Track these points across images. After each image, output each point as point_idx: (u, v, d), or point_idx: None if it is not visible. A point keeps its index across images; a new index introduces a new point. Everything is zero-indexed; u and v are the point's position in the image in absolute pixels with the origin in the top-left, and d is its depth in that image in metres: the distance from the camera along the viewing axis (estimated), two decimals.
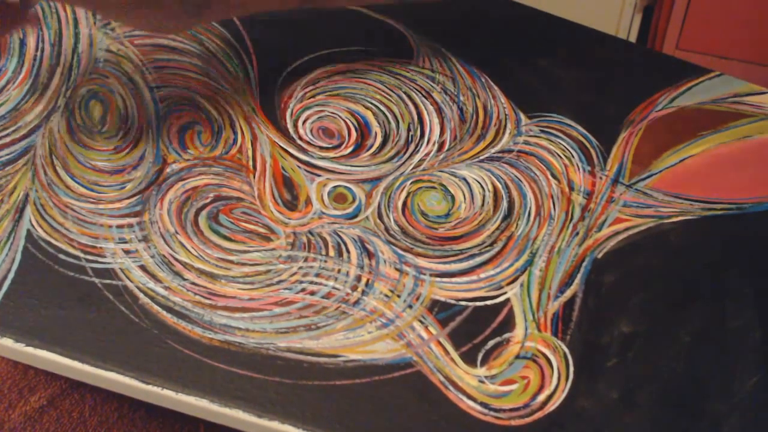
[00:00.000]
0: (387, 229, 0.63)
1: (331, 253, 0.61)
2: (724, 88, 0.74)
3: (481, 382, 0.56)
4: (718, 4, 1.31)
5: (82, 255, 0.59)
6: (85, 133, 0.66)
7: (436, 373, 0.56)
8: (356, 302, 0.59)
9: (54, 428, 0.70)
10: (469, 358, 0.57)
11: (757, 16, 1.31)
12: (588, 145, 0.70)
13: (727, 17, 1.32)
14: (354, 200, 0.65)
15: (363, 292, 0.59)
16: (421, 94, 0.71)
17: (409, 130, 0.69)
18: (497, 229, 0.64)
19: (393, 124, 0.69)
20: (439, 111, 0.70)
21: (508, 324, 0.59)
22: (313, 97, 0.70)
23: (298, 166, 0.66)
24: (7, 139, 0.64)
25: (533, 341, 0.58)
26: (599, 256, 0.63)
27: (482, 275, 0.62)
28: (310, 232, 0.62)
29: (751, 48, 1.33)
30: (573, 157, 0.69)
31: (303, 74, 0.71)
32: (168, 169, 0.64)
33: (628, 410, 0.56)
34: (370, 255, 0.61)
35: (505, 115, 0.71)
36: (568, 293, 0.61)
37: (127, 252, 0.60)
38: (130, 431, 0.70)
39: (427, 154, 0.68)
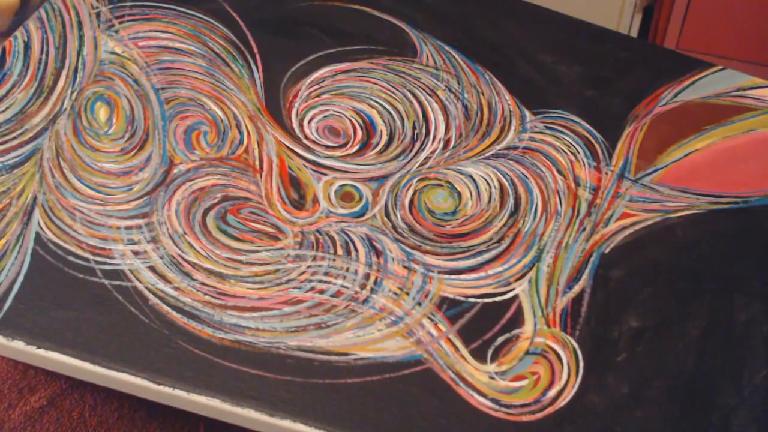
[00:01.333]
0: (394, 227, 0.63)
1: (339, 251, 0.61)
2: (727, 82, 0.74)
3: (492, 378, 0.56)
4: (718, 4, 1.31)
5: (91, 257, 0.59)
6: (91, 135, 0.66)
7: (447, 369, 0.56)
8: (365, 300, 0.59)
9: (54, 428, 0.69)
10: (479, 355, 0.57)
11: (757, 16, 1.31)
12: (593, 141, 0.70)
13: (727, 17, 1.32)
14: (361, 199, 0.65)
15: (372, 290, 0.59)
16: (426, 92, 0.71)
17: (414, 128, 0.69)
18: (504, 225, 0.64)
19: (398, 123, 0.69)
20: (444, 109, 0.71)
21: (517, 320, 0.59)
22: (318, 96, 0.70)
23: (305, 166, 0.66)
24: (14, 143, 0.64)
25: (542, 337, 0.59)
26: (606, 251, 0.63)
27: (490, 272, 0.62)
28: (318, 231, 0.62)
29: (751, 48, 1.34)
30: (578, 152, 0.69)
31: (307, 73, 0.71)
32: (175, 170, 0.64)
33: (638, 405, 0.56)
34: (378, 253, 0.62)
35: (510, 112, 0.71)
36: (577, 288, 0.61)
37: (136, 253, 0.60)
38: (130, 431, 0.70)
39: (432, 152, 0.68)
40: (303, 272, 0.60)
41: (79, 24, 0.71)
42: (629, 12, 1.41)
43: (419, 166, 0.67)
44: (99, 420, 0.70)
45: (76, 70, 0.69)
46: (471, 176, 0.67)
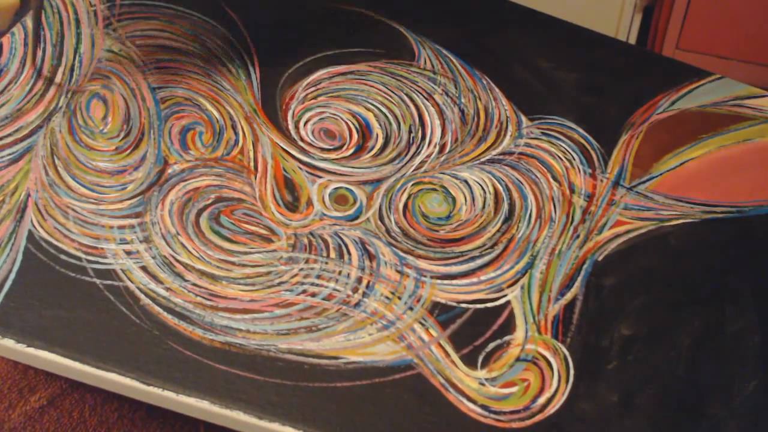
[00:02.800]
0: (388, 231, 0.63)
1: (332, 254, 0.61)
2: (724, 91, 0.74)
3: (482, 384, 0.56)
4: (718, 4, 1.31)
5: (83, 256, 0.59)
6: (86, 134, 0.66)
7: (437, 375, 0.56)
8: (357, 304, 0.59)
9: (54, 428, 0.70)
10: (470, 361, 0.57)
11: (757, 16, 1.30)
12: (589, 148, 0.70)
13: (727, 17, 1.32)
14: (355, 202, 0.65)
15: (364, 294, 0.59)
16: (423, 95, 0.71)
17: (410, 131, 0.69)
18: (498, 231, 0.64)
19: (394, 126, 0.69)
20: (441, 113, 0.71)
21: (509, 326, 0.59)
22: (314, 98, 0.70)
23: (300, 168, 0.66)
24: (9, 140, 0.64)
25: (533, 344, 0.58)
26: (600, 258, 0.63)
27: (483, 277, 0.62)
28: (311, 234, 0.62)
29: (751, 48, 1.33)
30: (574, 159, 0.69)
31: (304, 75, 0.71)
32: (169, 170, 0.64)
33: (627, 413, 0.56)
34: (371, 257, 0.62)
35: (507, 117, 0.71)
36: (569, 296, 0.61)
37: (128, 253, 0.60)
38: (130, 431, 0.70)
39: (428, 156, 0.68)
40: (295, 275, 0.60)
41: (77, 22, 0.71)
42: (629, 12, 1.40)
43: (414, 170, 0.67)
44: (99, 420, 0.70)
45: (72, 68, 0.69)
46: (466, 181, 0.67)
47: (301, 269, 0.60)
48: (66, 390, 0.73)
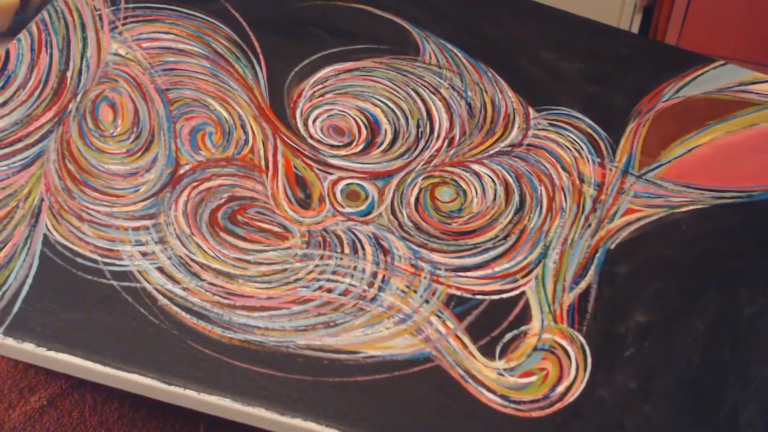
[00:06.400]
0: (401, 225, 0.63)
1: (347, 250, 0.62)
2: (729, 77, 0.75)
3: (500, 374, 0.57)
4: (718, 4, 1.31)
5: (99, 258, 0.59)
6: (97, 137, 0.66)
7: (456, 366, 0.57)
8: (373, 298, 0.59)
9: (54, 428, 0.69)
10: (488, 352, 0.58)
11: (757, 16, 1.31)
12: (597, 137, 0.70)
13: (727, 17, 1.32)
14: (367, 197, 0.65)
15: (380, 289, 0.60)
16: (429, 90, 0.72)
17: (418, 126, 0.69)
18: (510, 222, 0.65)
19: (402, 121, 0.70)
20: (448, 107, 0.71)
21: (525, 316, 0.59)
22: (322, 95, 0.70)
23: (310, 165, 0.66)
24: (20, 145, 0.64)
25: (550, 333, 0.59)
26: (612, 246, 0.64)
27: (497, 269, 0.62)
28: (325, 230, 0.63)
29: (751, 48, 1.34)
30: (582, 149, 0.69)
31: (311, 73, 0.71)
32: (181, 171, 0.65)
33: (646, 399, 0.57)
34: (385, 251, 0.62)
35: (513, 109, 0.71)
36: (583, 284, 0.61)
37: (144, 254, 0.60)
38: (130, 431, 0.70)
39: (437, 150, 0.68)
40: (311, 271, 0.60)
41: (83, 26, 0.71)
42: (629, 12, 1.41)
43: (424, 164, 0.67)
44: (99, 420, 0.70)
45: (80, 72, 0.69)
46: (476, 174, 0.67)
47: (317, 266, 0.61)
48: (66, 390, 0.72)
